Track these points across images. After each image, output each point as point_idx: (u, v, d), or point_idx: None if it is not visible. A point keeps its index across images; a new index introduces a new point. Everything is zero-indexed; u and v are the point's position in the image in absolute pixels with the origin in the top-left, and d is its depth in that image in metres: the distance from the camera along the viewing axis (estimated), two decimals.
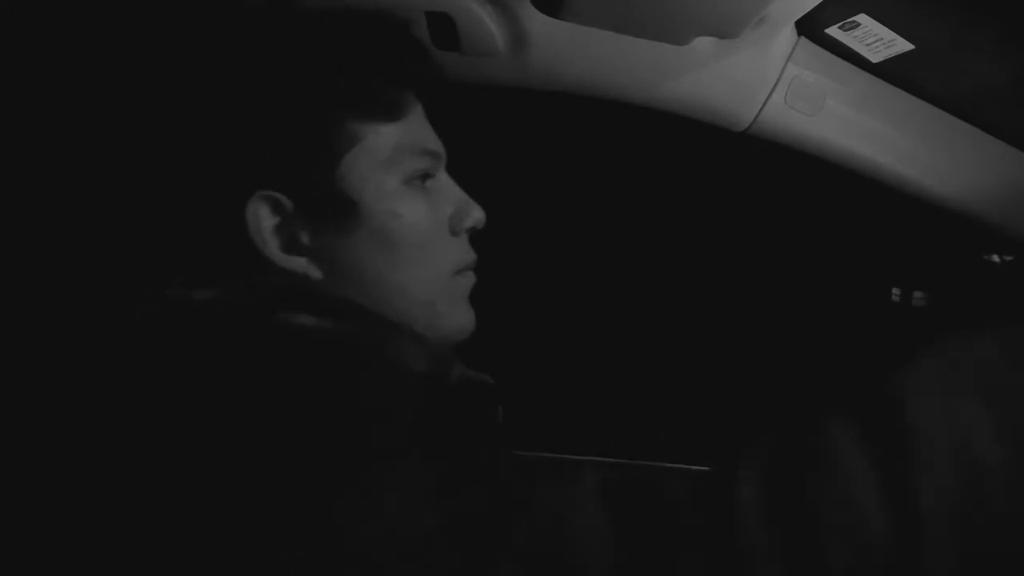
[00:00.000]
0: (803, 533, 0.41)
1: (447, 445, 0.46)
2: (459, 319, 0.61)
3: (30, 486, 0.46)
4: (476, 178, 0.64)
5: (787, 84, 0.78)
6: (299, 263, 0.54)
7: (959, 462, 0.42)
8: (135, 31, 0.58)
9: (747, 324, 1.21)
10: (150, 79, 0.56)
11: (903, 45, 0.73)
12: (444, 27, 0.72)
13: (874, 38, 0.74)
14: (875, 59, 0.77)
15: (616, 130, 1.08)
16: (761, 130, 0.81)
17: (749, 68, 0.78)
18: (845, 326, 1.15)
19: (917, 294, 1.08)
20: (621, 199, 1.22)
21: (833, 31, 0.75)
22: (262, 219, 0.53)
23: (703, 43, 0.75)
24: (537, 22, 0.72)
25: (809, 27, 0.77)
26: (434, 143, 0.60)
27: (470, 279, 0.62)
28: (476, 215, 0.61)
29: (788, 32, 0.77)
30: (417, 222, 0.57)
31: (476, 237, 0.63)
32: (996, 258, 0.97)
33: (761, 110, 0.80)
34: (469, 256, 0.62)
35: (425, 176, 0.59)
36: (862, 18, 0.72)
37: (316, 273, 0.55)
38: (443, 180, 0.61)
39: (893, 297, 1.10)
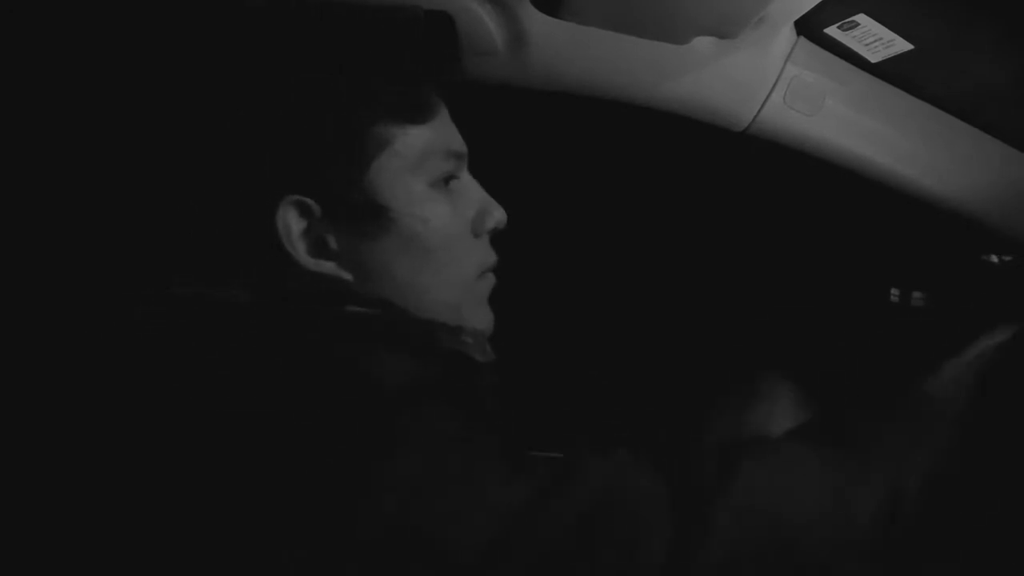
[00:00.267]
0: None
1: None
2: (481, 321, 0.61)
3: (57, 482, 0.47)
4: (482, 178, 0.63)
5: (786, 84, 0.78)
6: (328, 267, 0.55)
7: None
8: (166, 33, 0.59)
9: (746, 324, 1.21)
10: (181, 82, 0.56)
11: (902, 45, 0.73)
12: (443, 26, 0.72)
13: (873, 38, 0.74)
14: (874, 59, 0.77)
15: (615, 130, 1.08)
16: (760, 130, 0.82)
17: (748, 68, 0.78)
18: (844, 326, 1.15)
19: (916, 294, 1.08)
20: (620, 199, 1.22)
21: (832, 31, 0.75)
22: (291, 224, 0.53)
23: (702, 43, 0.75)
24: (536, 22, 0.72)
25: (808, 27, 0.77)
26: (459, 144, 0.60)
27: (491, 281, 0.63)
28: (498, 216, 0.61)
29: (787, 32, 0.77)
30: (444, 226, 0.57)
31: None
32: (995, 258, 0.97)
33: (760, 110, 0.80)
34: (491, 258, 0.62)
35: (450, 178, 0.59)
36: (861, 18, 0.72)
37: (346, 276, 0.55)
38: (466, 181, 0.61)
39: (892, 297, 1.10)
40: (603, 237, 1.24)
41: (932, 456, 0.60)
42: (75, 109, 0.68)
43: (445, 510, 0.43)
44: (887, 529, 0.54)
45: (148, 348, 0.49)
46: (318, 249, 0.54)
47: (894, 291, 1.08)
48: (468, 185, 0.61)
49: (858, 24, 0.72)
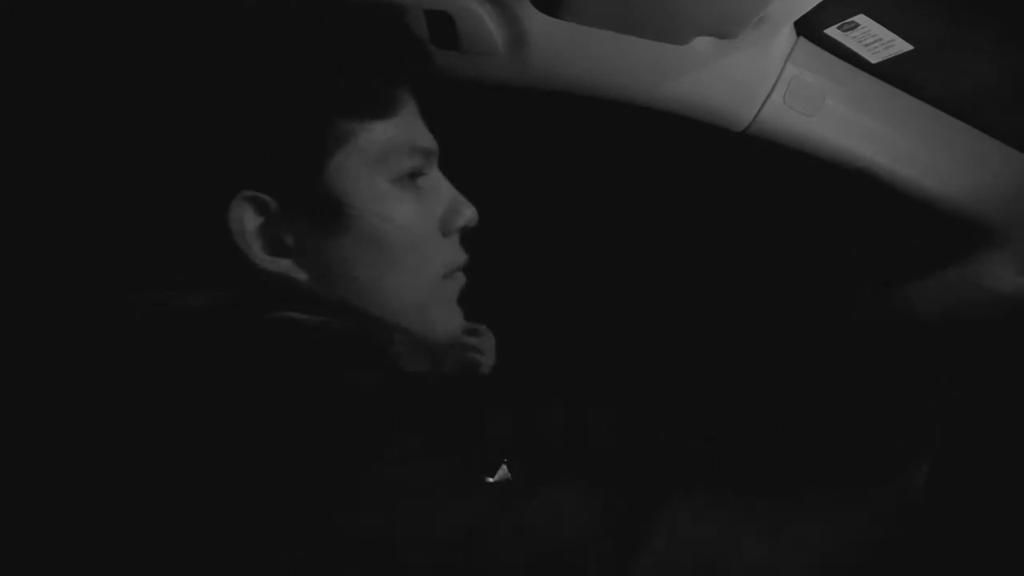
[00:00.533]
0: None
1: (444, 441, 0.46)
2: (448, 323, 0.59)
3: (18, 488, 0.46)
4: (472, 176, 0.62)
5: (786, 84, 0.78)
6: (284, 265, 0.53)
7: None
8: (112, 27, 0.55)
9: (745, 323, 1.21)
10: (128, 76, 0.52)
11: (902, 46, 0.73)
12: (443, 26, 0.72)
13: (873, 38, 0.74)
14: (874, 59, 0.77)
15: (615, 130, 1.08)
16: (760, 130, 0.82)
17: (748, 68, 0.78)
18: (843, 326, 1.15)
19: (916, 294, 1.08)
20: (619, 199, 1.22)
21: (832, 31, 0.75)
22: (246, 221, 0.51)
23: (702, 43, 0.75)
24: (536, 21, 0.72)
25: (808, 27, 0.77)
26: (427, 140, 0.58)
27: (460, 281, 0.61)
28: (468, 214, 0.59)
29: (787, 32, 0.77)
30: (407, 224, 0.55)
31: (478, 237, 0.62)
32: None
33: (760, 110, 0.80)
34: (460, 257, 0.60)
35: (417, 175, 0.57)
36: (861, 19, 0.72)
37: (301, 275, 0.53)
38: (435, 178, 0.59)
39: (892, 298, 1.10)
40: (603, 237, 1.24)
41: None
42: (14, 103, 0.65)
43: (373, 532, 0.42)
44: None
45: (93, 356, 0.48)
46: (274, 247, 0.52)
47: (894, 291, 1.08)
48: (437, 182, 0.59)
49: (858, 25, 0.72)
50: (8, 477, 0.47)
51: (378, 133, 0.54)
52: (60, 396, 0.48)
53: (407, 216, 0.55)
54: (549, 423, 0.83)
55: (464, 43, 0.73)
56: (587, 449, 0.98)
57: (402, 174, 0.55)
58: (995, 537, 0.68)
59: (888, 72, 0.79)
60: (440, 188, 0.59)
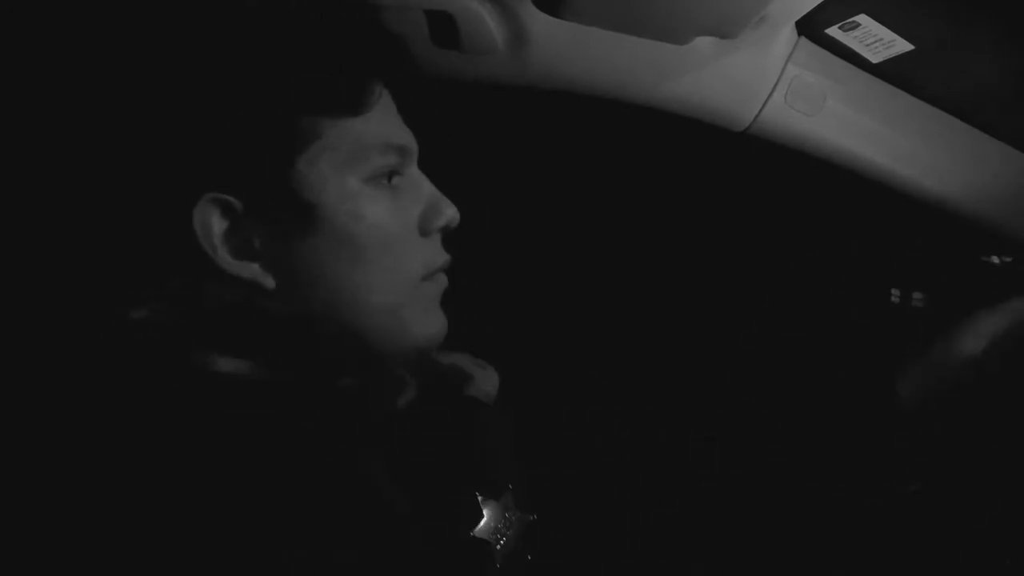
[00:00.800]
0: None
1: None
2: (428, 327, 0.57)
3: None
4: (470, 177, 0.61)
5: (787, 84, 0.78)
6: (251, 270, 0.50)
7: None
8: (71, 25, 0.51)
9: (746, 323, 1.21)
10: (87, 76, 0.49)
11: (903, 45, 0.73)
12: (444, 25, 0.72)
13: (874, 38, 0.74)
14: (875, 59, 0.77)
15: (615, 130, 1.08)
16: (761, 130, 0.81)
17: (749, 68, 0.78)
18: (843, 326, 1.15)
19: (916, 295, 1.08)
20: (619, 199, 1.22)
21: (833, 31, 0.75)
22: (212, 224, 0.48)
23: (703, 43, 0.75)
24: (537, 21, 0.72)
25: (809, 27, 0.77)
26: (403, 137, 0.56)
27: (441, 283, 0.58)
28: (449, 213, 0.57)
29: (788, 32, 0.77)
30: (380, 223, 0.53)
31: (475, 237, 0.61)
32: (995, 259, 0.97)
33: (761, 110, 0.80)
34: (440, 258, 0.58)
35: (392, 173, 0.55)
36: (862, 18, 0.72)
37: (269, 281, 0.51)
38: (413, 176, 0.57)
39: (892, 298, 1.10)
40: (604, 237, 1.24)
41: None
42: None
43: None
44: None
45: (38, 361, 0.46)
46: (241, 251, 0.50)
47: (895, 291, 1.08)
48: (415, 181, 0.57)
49: (859, 24, 0.72)
50: None
51: (349, 131, 0.52)
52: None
53: (380, 215, 0.53)
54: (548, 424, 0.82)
55: (464, 42, 0.73)
56: (587, 449, 0.98)
57: (376, 173, 0.53)
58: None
59: (889, 72, 0.79)
60: (419, 187, 0.57)
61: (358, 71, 0.53)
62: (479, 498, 0.55)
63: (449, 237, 0.59)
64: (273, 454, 0.44)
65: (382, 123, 0.54)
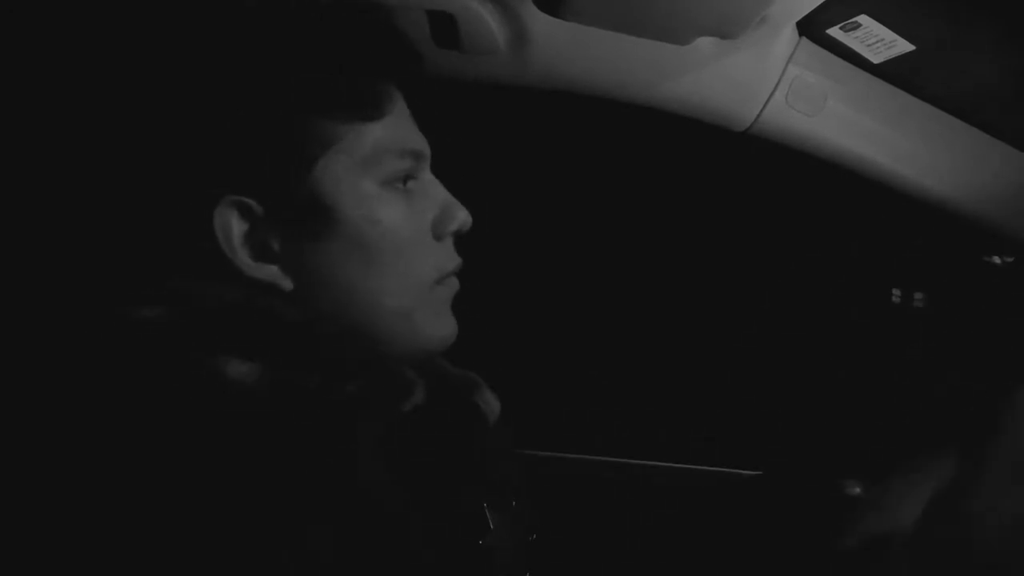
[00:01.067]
0: None
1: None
2: (440, 330, 0.57)
3: None
4: (470, 178, 0.62)
5: (788, 84, 0.78)
6: (269, 272, 0.51)
7: None
8: (93, 30, 0.53)
9: (746, 324, 1.21)
10: (109, 79, 0.51)
11: (904, 46, 0.73)
12: (445, 25, 0.72)
13: (875, 39, 0.74)
14: (876, 60, 0.77)
15: (616, 130, 1.08)
16: (762, 130, 0.82)
17: (750, 68, 0.78)
18: (844, 327, 1.15)
19: (917, 295, 1.08)
20: (621, 199, 1.22)
21: (834, 32, 0.75)
22: (231, 226, 0.49)
23: (704, 43, 0.75)
24: (538, 21, 0.72)
25: (810, 28, 0.77)
26: (417, 142, 0.56)
27: (453, 286, 0.59)
28: (462, 217, 0.57)
29: (789, 32, 0.77)
30: (396, 228, 0.53)
31: (473, 238, 0.61)
32: (996, 259, 0.97)
33: (762, 110, 0.80)
34: (453, 262, 0.58)
35: (407, 178, 0.55)
36: (863, 19, 0.72)
37: (286, 283, 0.52)
38: (427, 181, 0.57)
39: (893, 298, 1.10)
40: (604, 237, 1.24)
41: None
42: None
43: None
44: None
45: (48, 363, 0.46)
46: (260, 253, 0.51)
47: (896, 292, 1.08)
48: (429, 185, 0.57)
49: (860, 25, 0.73)
50: None
51: (365, 135, 0.52)
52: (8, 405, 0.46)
53: (395, 219, 0.54)
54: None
55: (465, 42, 0.73)
56: (587, 450, 0.98)
57: (392, 177, 0.54)
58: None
59: (890, 72, 0.79)
60: (432, 191, 0.57)
61: (375, 75, 0.54)
62: (486, 508, 0.55)
63: (458, 240, 0.60)
64: (277, 456, 0.44)
65: (398, 127, 0.55)
